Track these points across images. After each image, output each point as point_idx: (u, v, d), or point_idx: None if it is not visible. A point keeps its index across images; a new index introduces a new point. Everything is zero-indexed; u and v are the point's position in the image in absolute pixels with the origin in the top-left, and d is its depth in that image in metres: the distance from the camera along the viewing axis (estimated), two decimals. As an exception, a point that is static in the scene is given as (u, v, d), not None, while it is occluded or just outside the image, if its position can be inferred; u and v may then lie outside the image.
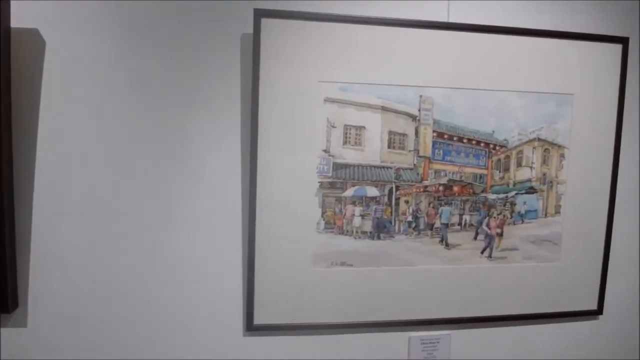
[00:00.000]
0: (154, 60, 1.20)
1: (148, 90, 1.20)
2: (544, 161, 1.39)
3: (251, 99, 1.20)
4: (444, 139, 1.32)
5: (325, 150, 1.25)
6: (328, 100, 1.24)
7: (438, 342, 1.39)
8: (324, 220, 1.27)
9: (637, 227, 1.50)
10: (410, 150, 1.30)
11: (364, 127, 1.27)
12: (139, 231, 1.23)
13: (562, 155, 1.39)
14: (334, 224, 1.28)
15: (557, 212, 1.41)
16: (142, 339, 1.25)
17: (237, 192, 1.26)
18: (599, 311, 1.48)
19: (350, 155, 1.27)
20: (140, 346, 1.25)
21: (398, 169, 1.30)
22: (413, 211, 1.32)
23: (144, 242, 1.23)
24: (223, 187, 1.25)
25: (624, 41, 1.39)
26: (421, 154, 1.31)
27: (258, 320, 1.28)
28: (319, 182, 1.26)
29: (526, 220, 1.39)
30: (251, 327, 1.28)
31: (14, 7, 1.10)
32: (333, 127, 1.25)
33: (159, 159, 1.22)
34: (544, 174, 1.39)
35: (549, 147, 1.38)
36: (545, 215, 1.40)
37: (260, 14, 1.19)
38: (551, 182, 1.40)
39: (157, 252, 1.24)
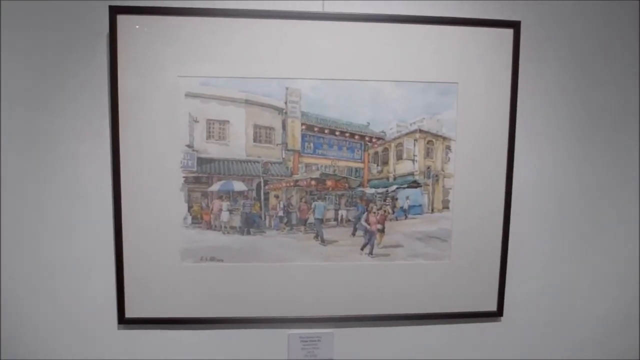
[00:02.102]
0: (18, 65, 1.23)
1: (15, 95, 1.23)
2: (428, 154, 1.32)
3: (110, 96, 1.22)
4: (314, 131, 1.28)
5: (188, 145, 1.25)
6: (189, 95, 1.24)
7: (319, 341, 1.35)
8: (190, 215, 1.27)
9: (537, 223, 1.40)
10: (278, 144, 1.28)
11: (228, 122, 1.26)
12: (8, 230, 1.26)
13: (449, 148, 1.32)
14: (202, 219, 1.28)
15: (445, 207, 1.34)
16: (18, 336, 1.29)
17: (107, 188, 1.27)
18: (498, 313, 1.39)
19: (214, 150, 1.26)
20: (15, 345, 1.29)
21: (266, 162, 1.28)
22: (284, 206, 1.30)
23: (15, 240, 1.27)
24: (94, 184, 1.27)
25: (515, 25, 1.30)
26: (290, 147, 1.28)
27: (130, 313, 1.29)
28: (183, 177, 1.26)
29: (410, 216, 1.33)
30: (123, 320, 1.29)
31: None
32: (196, 121, 1.25)
33: (26, 160, 1.25)
34: (428, 167, 1.33)
35: (432, 138, 1.32)
36: (432, 210, 1.34)
37: (115, 11, 1.20)
38: (437, 175, 1.33)
39: (28, 250, 1.27)
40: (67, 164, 1.26)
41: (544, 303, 1.43)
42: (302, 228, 1.31)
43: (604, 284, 1.45)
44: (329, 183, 1.30)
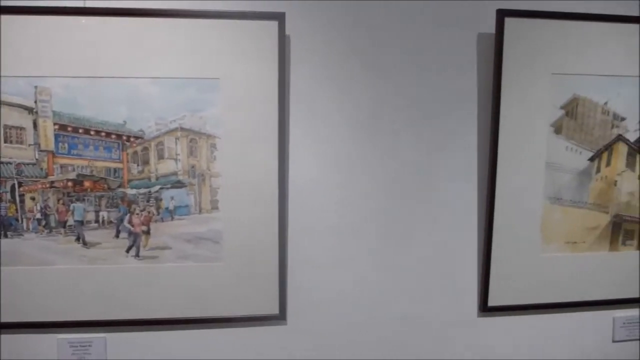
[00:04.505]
0: None
1: None
2: (191, 152, 1.28)
3: None
4: (68, 131, 1.25)
5: None
6: None
7: (90, 346, 1.32)
8: (-57, 219, 1.24)
9: (319, 221, 1.35)
10: (30, 145, 1.24)
11: (-26, 122, 1.22)
12: None
13: (214, 146, 1.28)
14: (-46, 223, 1.25)
15: (215, 207, 1.29)
16: None
17: None
18: (281, 316, 1.34)
19: (-38, 152, 1.23)
20: None
21: (19, 164, 1.24)
22: (41, 208, 1.26)
23: None
24: None
25: (279, 17, 1.25)
26: (43, 148, 1.25)
27: None
28: None
29: (177, 217, 1.29)
30: None
31: None
32: (-61, 122, 1.22)
33: None
34: (193, 167, 1.28)
35: (195, 137, 1.27)
36: (200, 211, 1.29)
37: None
38: (202, 175, 1.28)
39: None
40: None
41: (334, 304, 1.38)
42: (62, 230, 1.27)
43: (401, 281, 1.39)
44: (87, 184, 1.27)
